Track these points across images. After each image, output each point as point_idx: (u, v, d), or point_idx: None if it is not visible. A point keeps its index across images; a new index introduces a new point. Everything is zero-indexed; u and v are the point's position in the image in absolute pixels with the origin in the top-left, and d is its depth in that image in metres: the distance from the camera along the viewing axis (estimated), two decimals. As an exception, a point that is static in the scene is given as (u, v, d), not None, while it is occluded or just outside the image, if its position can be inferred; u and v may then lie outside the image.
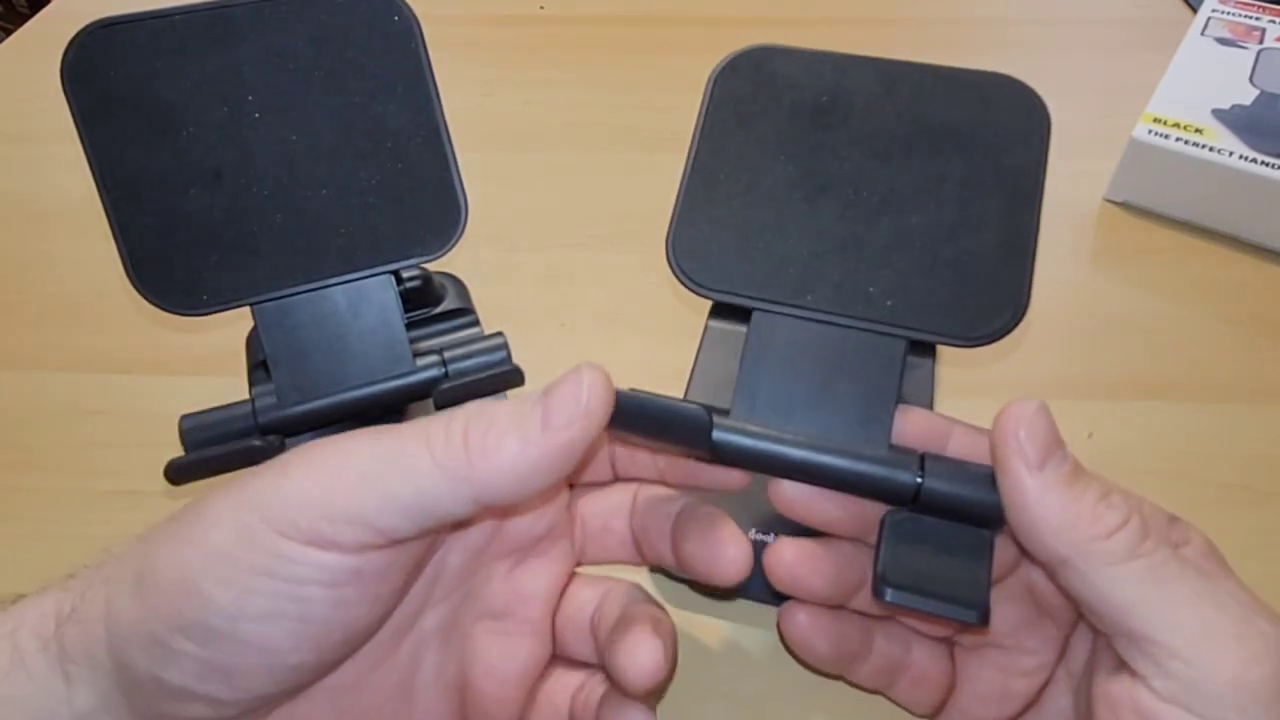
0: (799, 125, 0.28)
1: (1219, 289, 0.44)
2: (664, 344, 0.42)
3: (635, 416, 0.22)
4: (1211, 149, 0.45)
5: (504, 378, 0.32)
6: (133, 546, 0.22)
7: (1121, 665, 0.21)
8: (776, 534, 0.32)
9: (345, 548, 0.20)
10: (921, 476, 0.24)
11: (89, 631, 0.21)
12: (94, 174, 0.29)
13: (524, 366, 0.32)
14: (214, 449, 0.29)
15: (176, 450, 0.30)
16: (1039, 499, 0.21)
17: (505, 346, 0.32)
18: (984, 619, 0.22)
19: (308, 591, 0.20)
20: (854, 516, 0.25)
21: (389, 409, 0.32)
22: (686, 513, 0.25)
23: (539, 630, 0.26)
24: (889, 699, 0.28)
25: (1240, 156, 0.45)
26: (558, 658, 0.27)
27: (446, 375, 0.31)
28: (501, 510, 0.23)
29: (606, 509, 0.27)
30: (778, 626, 0.27)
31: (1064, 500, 0.21)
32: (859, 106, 0.28)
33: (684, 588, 0.32)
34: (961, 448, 0.26)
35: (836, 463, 0.25)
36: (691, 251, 0.27)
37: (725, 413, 0.26)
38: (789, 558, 0.25)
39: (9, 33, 0.68)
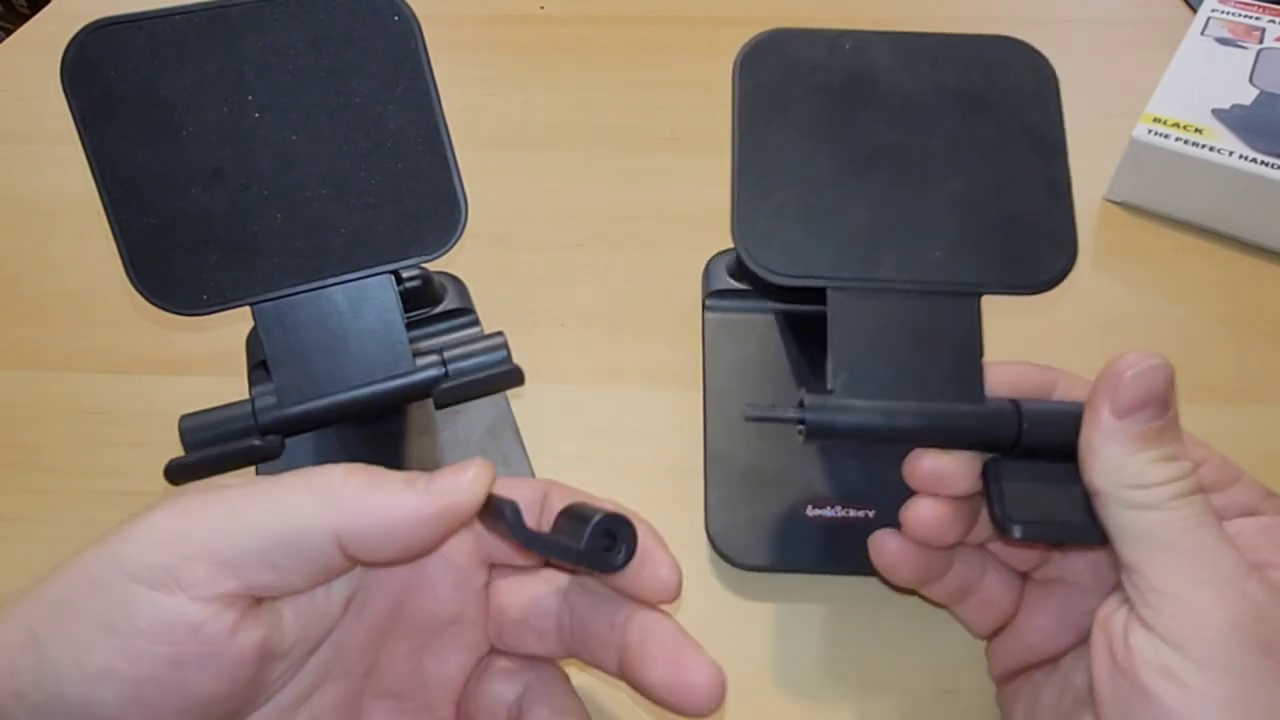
0: (832, 106, 0.29)
1: (1219, 289, 0.44)
2: (664, 344, 0.42)
3: (503, 520, 0.22)
4: (1211, 149, 0.45)
5: (504, 377, 0.32)
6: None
7: (1125, 599, 0.23)
8: (833, 508, 0.33)
9: (197, 591, 0.20)
10: (1021, 423, 0.26)
11: None
12: (94, 174, 0.29)
13: (524, 366, 0.32)
14: (214, 449, 0.29)
15: (176, 450, 0.30)
16: (1103, 439, 0.24)
17: (505, 346, 0.32)
18: (1104, 539, 0.24)
19: (142, 647, 0.19)
20: (975, 481, 0.27)
21: (389, 409, 0.32)
22: (641, 629, 0.23)
23: (442, 715, 0.25)
24: (953, 615, 0.30)
25: (1240, 156, 0.45)
26: None
27: (446, 375, 0.31)
28: (361, 559, 0.22)
29: (527, 600, 0.25)
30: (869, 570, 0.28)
31: (1125, 450, 0.23)
32: (883, 81, 0.29)
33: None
34: (1066, 396, 0.27)
35: (947, 424, 0.26)
36: (759, 241, 0.28)
37: (829, 393, 0.27)
38: (928, 515, 0.26)
39: (9, 33, 0.68)
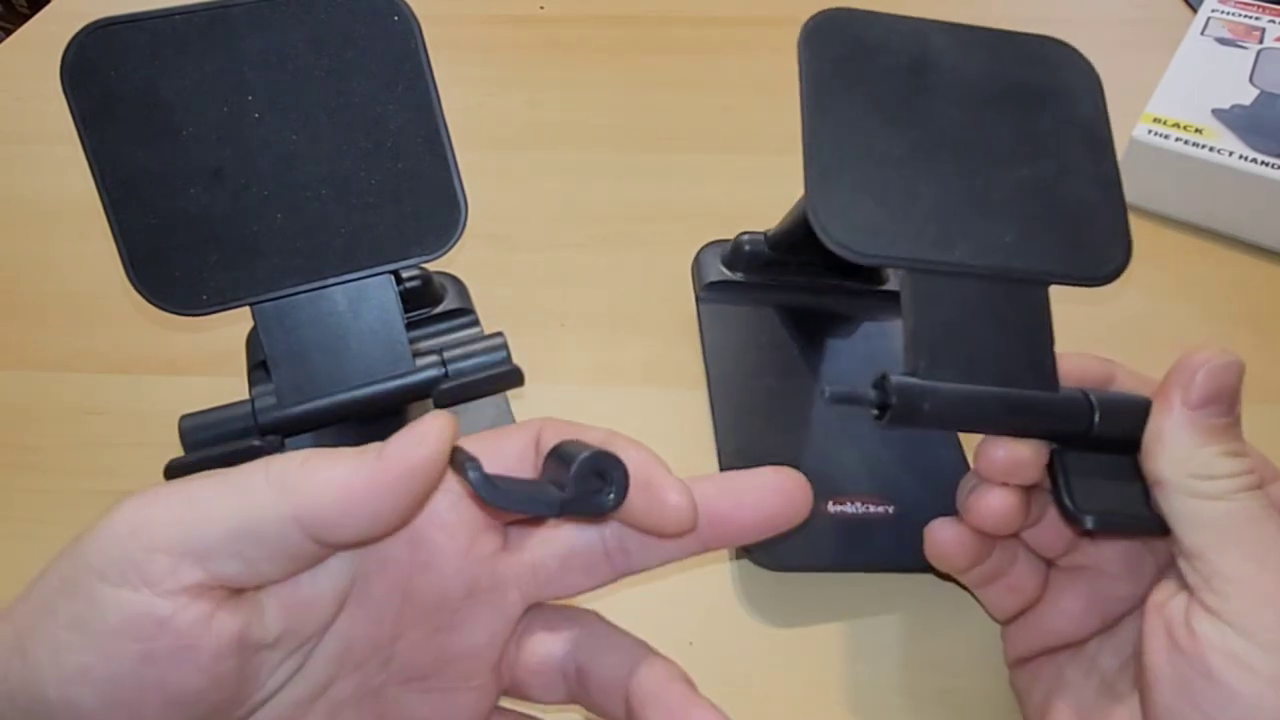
0: (899, 87, 0.29)
1: (1219, 289, 0.44)
2: (664, 344, 0.42)
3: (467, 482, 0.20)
4: (1211, 149, 0.45)
5: (504, 378, 0.32)
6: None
7: (1181, 585, 0.24)
8: (853, 504, 0.34)
9: (163, 584, 0.19)
10: (1094, 413, 0.26)
11: None
12: (94, 174, 0.29)
13: (524, 366, 0.32)
14: (214, 449, 0.29)
15: (176, 450, 0.30)
16: (1174, 429, 0.24)
17: (505, 346, 0.32)
18: (1166, 530, 0.24)
19: (114, 646, 0.19)
20: (1041, 471, 0.27)
21: (388, 409, 0.32)
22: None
23: (480, 683, 0.24)
24: (976, 598, 0.31)
25: (1240, 156, 0.45)
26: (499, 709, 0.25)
27: (446, 375, 0.31)
28: (331, 541, 0.21)
29: (563, 546, 0.24)
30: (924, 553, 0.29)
31: (1193, 441, 0.24)
32: (946, 68, 0.29)
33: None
34: (1124, 389, 0.28)
35: (1028, 411, 0.26)
36: (837, 218, 0.27)
37: (912, 373, 0.26)
38: (997, 506, 0.27)
39: (9, 33, 0.68)
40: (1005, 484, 0.27)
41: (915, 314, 0.27)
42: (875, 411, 0.26)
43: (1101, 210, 0.29)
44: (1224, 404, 0.24)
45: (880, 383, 0.26)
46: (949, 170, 0.28)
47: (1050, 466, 0.27)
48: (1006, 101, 0.29)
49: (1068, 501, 0.26)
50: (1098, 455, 0.26)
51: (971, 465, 0.28)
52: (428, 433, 0.20)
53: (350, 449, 0.21)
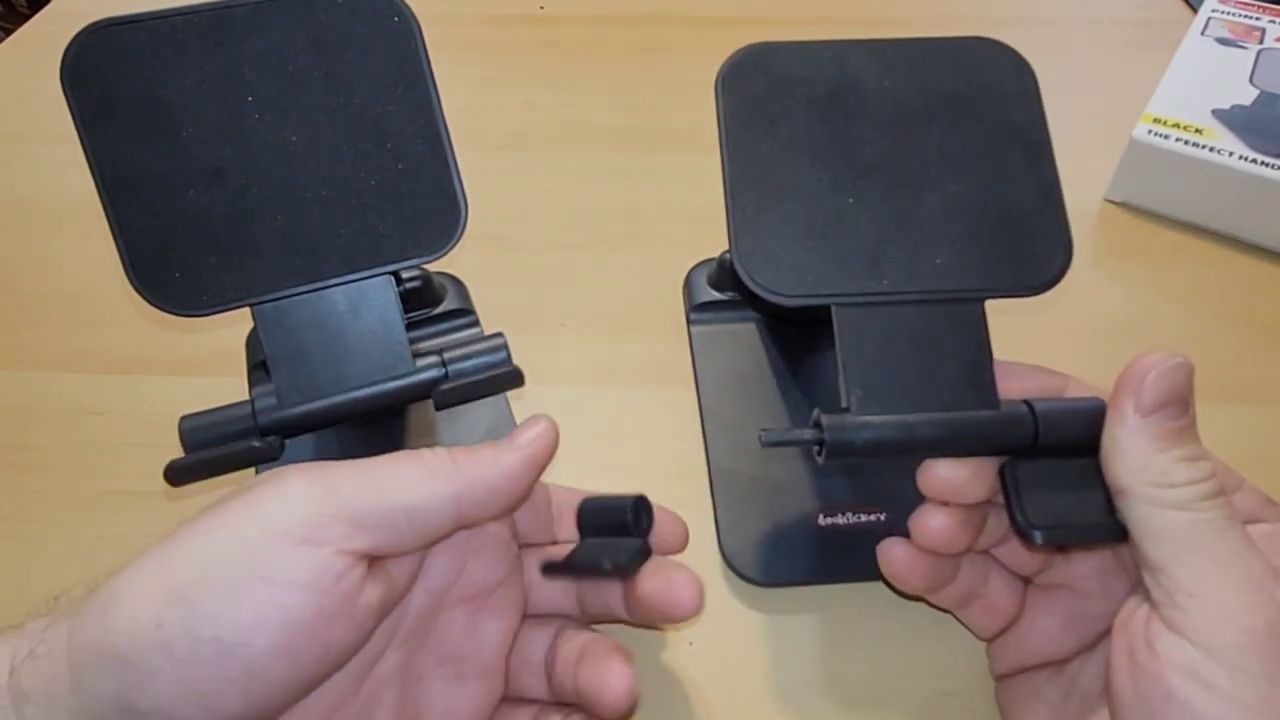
0: (819, 118, 0.28)
1: (1219, 289, 0.44)
2: (664, 344, 0.42)
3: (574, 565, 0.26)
4: (1211, 149, 0.45)
5: (504, 378, 0.32)
6: (98, 583, 0.22)
7: (1145, 599, 0.23)
8: (844, 514, 0.33)
9: (335, 547, 0.22)
10: (1037, 424, 0.26)
11: (49, 667, 0.21)
12: (94, 174, 0.29)
13: (524, 367, 0.32)
14: (214, 450, 0.29)
15: (176, 450, 0.29)
16: (1129, 436, 0.24)
17: (505, 347, 0.32)
18: (1123, 535, 0.24)
19: (295, 597, 0.21)
20: (989, 487, 0.27)
21: (389, 410, 0.32)
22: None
23: (493, 673, 0.27)
24: (956, 618, 0.31)
25: (1240, 156, 0.45)
26: (508, 699, 0.28)
27: (446, 376, 0.31)
28: (471, 520, 0.25)
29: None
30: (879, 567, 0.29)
31: (1149, 448, 0.23)
32: (867, 89, 0.29)
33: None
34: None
35: (965, 433, 0.26)
36: (761, 263, 0.27)
37: (844, 410, 0.26)
38: (938, 526, 0.27)
39: (9, 33, 0.68)
40: (948, 503, 0.26)
41: (846, 348, 0.27)
42: (815, 449, 0.26)
43: (1038, 216, 0.28)
44: (1176, 407, 0.24)
45: (815, 421, 0.26)
46: (874, 196, 0.28)
47: (1002, 479, 0.26)
48: (934, 115, 0.28)
49: (1018, 516, 0.25)
50: (1054, 463, 0.26)
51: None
52: (548, 427, 0.26)
53: (475, 446, 0.25)
